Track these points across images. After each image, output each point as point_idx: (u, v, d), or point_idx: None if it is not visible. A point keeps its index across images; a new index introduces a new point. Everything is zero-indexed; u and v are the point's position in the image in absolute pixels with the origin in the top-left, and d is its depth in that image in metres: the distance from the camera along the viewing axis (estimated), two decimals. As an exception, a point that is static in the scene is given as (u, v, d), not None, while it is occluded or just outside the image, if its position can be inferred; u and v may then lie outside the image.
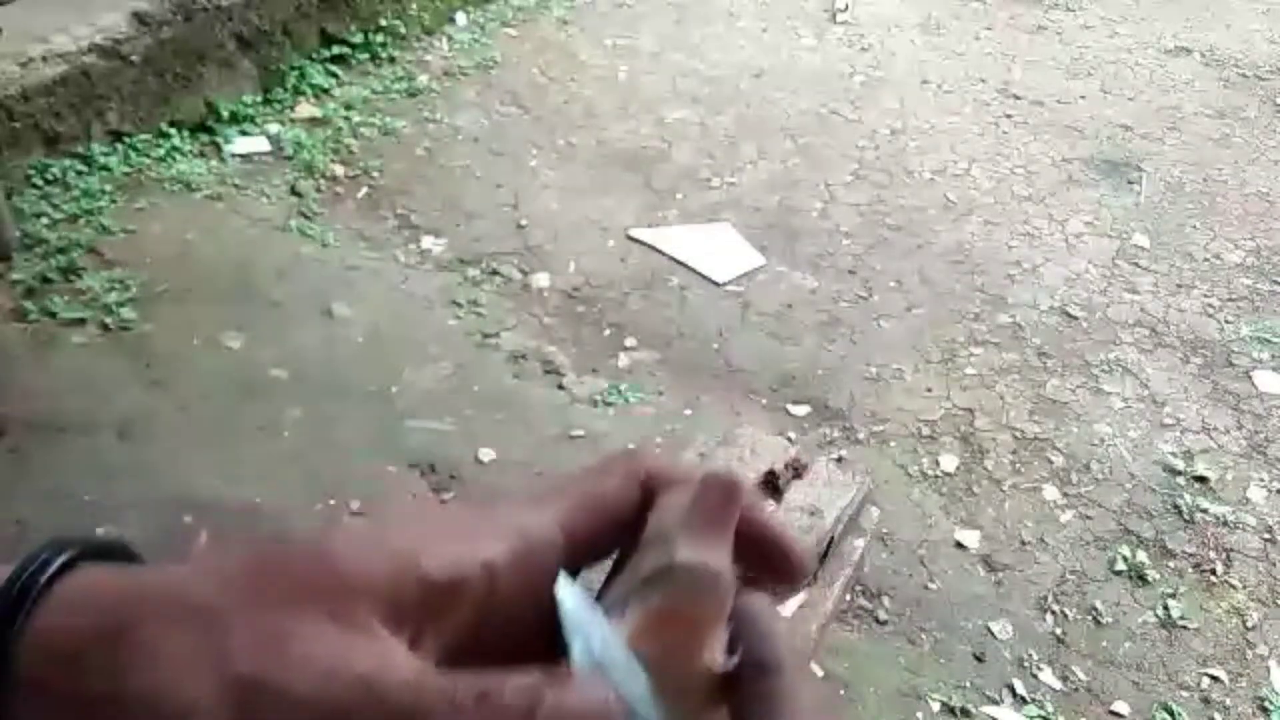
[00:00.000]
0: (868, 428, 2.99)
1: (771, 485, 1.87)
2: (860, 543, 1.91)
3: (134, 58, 3.62)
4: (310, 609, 0.32)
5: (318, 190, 3.75)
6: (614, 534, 0.38)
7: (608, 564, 0.40)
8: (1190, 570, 2.65)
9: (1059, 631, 2.47)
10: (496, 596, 0.35)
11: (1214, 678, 2.40)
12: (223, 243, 3.41)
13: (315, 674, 0.31)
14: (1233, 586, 2.62)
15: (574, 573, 0.37)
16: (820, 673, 2.27)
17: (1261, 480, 2.92)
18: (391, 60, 4.56)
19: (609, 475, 0.39)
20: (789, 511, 1.82)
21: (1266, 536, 2.75)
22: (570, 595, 0.35)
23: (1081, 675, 2.39)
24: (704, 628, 0.35)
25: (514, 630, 0.35)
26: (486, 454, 2.77)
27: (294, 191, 3.72)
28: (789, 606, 1.82)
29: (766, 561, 0.38)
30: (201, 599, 0.33)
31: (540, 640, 0.35)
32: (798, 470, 1.96)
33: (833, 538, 1.81)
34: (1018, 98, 4.84)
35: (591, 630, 0.34)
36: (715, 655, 0.35)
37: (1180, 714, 2.32)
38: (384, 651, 0.32)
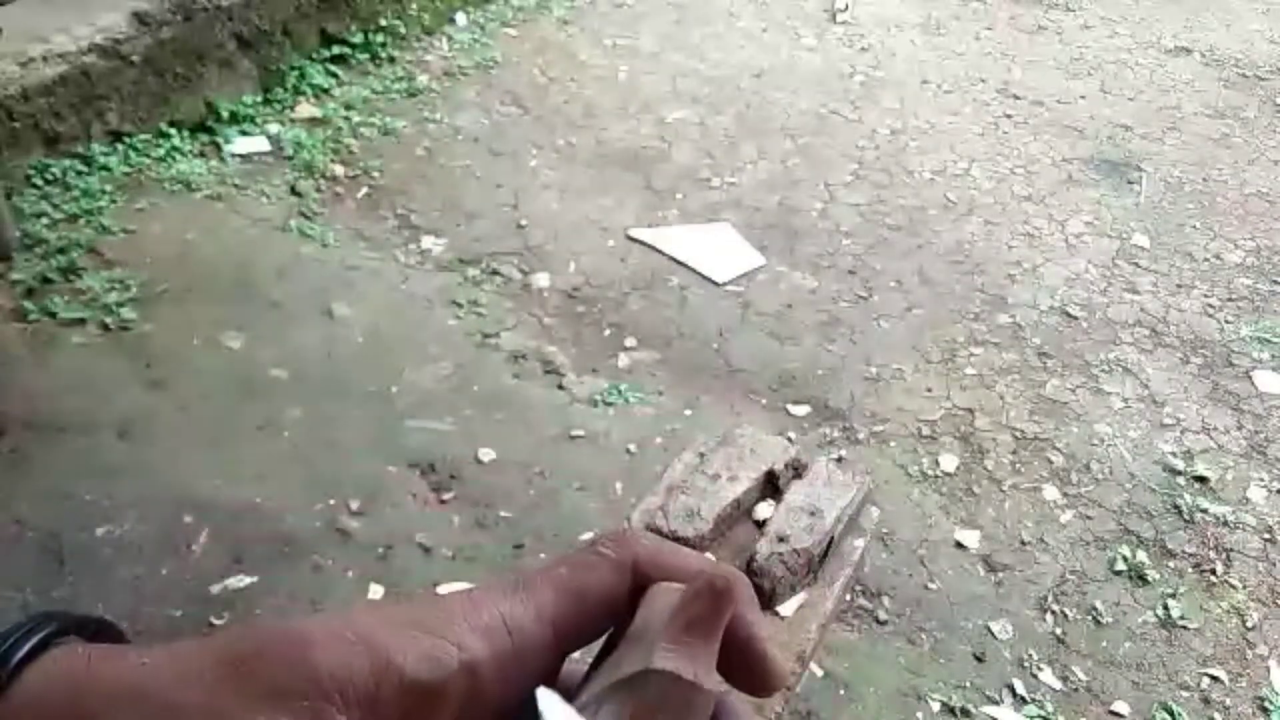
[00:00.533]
0: (868, 428, 2.99)
1: (771, 485, 1.86)
2: (860, 543, 1.90)
3: (134, 58, 3.62)
4: (280, 711, 0.31)
5: (318, 190, 3.75)
6: (602, 623, 0.37)
7: (594, 646, 0.39)
8: (1190, 570, 2.65)
9: (1059, 631, 2.47)
10: (479, 697, 0.34)
11: (1214, 678, 2.40)
12: (223, 243, 3.41)
13: None
14: (1233, 586, 2.61)
15: (559, 661, 0.37)
16: (820, 673, 2.27)
17: (1261, 480, 2.92)
18: (391, 60, 4.56)
19: (600, 561, 0.37)
20: (789, 511, 1.81)
21: (1266, 536, 2.75)
22: (550, 704, 0.34)
23: (1081, 675, 2.39)
24: None
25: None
26: (486, 454, 2.77)
27: (294, 191, 3.72)
28: (789, 606, 1.82)
29: (744, 672, 0.37)
30: (167, 696, 0.32)
31: None
32: (798, 470, 1.96)
33: (833, 538, 1.81)
34: (1018, 98, 4.84)
35: None
36: None
37: (1180, 714, 2.32)
38: None
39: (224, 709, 0.31)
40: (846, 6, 5.52)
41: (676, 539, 1.90)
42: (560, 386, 3.05)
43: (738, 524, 1.92)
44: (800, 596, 1.87)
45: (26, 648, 0.33)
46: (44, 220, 3.30)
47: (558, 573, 0.37)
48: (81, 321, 3.01)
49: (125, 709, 0.32)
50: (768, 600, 1.82)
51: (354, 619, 0.34)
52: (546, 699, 0.34)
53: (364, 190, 3.80)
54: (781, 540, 1.81)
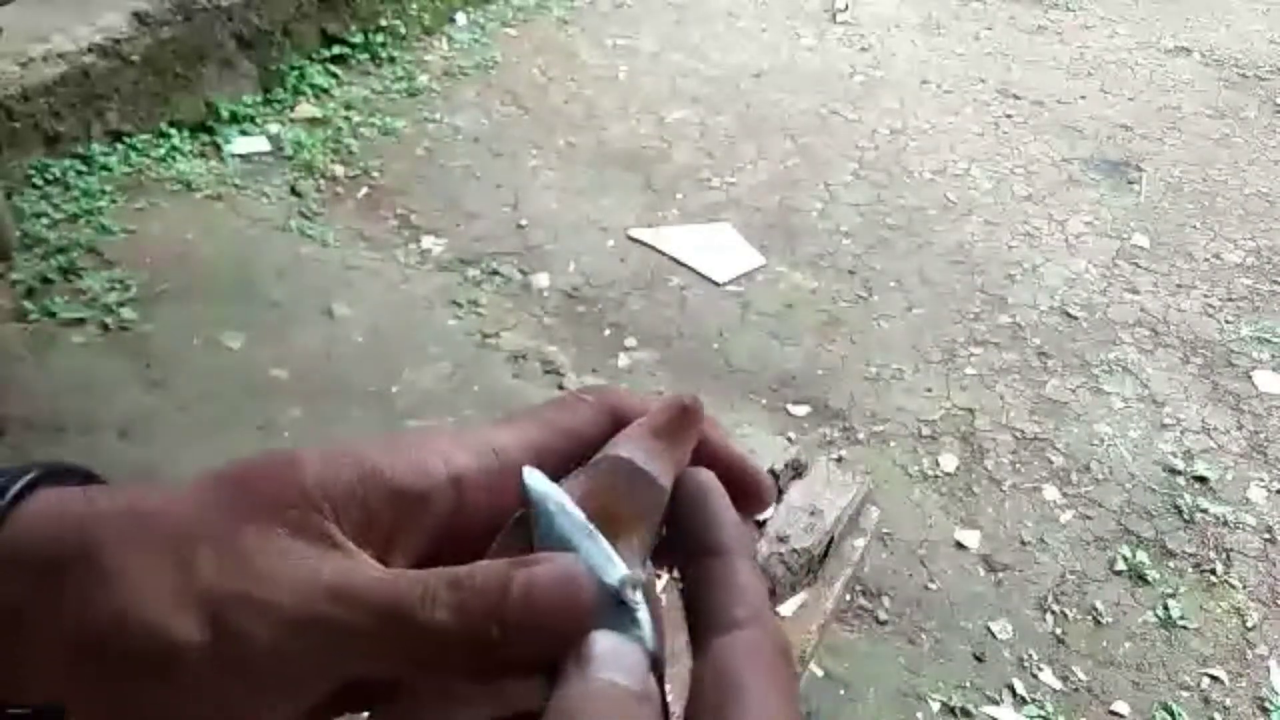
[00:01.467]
0: (868, 428, 2.99)
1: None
2: (860, 543, 1.91)
3: (134, 58, 3.62)
4: (275, 524, 0.32)
5: (318, 190, 3.75)
6: (583, 461, 0.38)
7: None
8: (1190, 570, 2.65)
9: (1059, 631, 2.47)
10: (464, 511, 0.35)
11: (1214, 678, 2.40)
12: (223, 243, 3.41)
13: (284, 587, 0.31)
14: (1233, 586, 2.62)
15: None
16: (820, 673, 2.27)
17: (1261, 480, 2.92)
18: (391, 60, 4.56)
19: (581, 404, 0.38)
20: (789, 511, 1.82)
21: (1266, 536, 2.75)
22: (533, 475, 0.35)
23: (1081, 675, 2.39)
24: (630, 524, 0.35)
25: (480, 547, 0.35)
26: (486, 454, 2.77)
27: (294, 191, 3.72)
28: (789, 607, 1.82)
29: (729, 488, 0.37)
30: (163, 520, 0.33)
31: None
32: (798, 470, 1.96)
33: (833, 538, 1.81)
34: (1018, 98, 4.84)
35: (551, 505, 0.34)
36: (637, 556, 0.34)
37: (1180, 714, 2.32)
38: (348, 560, 0.32)
39: (219, 527, 0.32)
40: (846, 6, 5.52)
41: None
42: (560, 386, 3.05)
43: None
44: (800, 596, 1.88)
45: (15, 488, 0.34)
46: (44, 220, 3.30)
47: (541, 411, 0.38)
48: (81, 321, 3.01)
49: (127, 536, 0.32)
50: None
51: (342, 442, 0.35)
52: (531, 472, 0.34)
53: (364, 190, 3.80)
54: (781, 540, 1.82)
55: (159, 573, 0.31)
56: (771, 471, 1.89)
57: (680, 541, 0.36)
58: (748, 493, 0.38)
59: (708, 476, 0.37)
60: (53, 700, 0.33)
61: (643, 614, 0.32)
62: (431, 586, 0.31)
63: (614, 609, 0.32)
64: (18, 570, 0.32)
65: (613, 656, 0.31)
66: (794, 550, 1.75)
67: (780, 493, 1.86)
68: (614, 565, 0.33)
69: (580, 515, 0.34)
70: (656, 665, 0.32)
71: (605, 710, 0.29)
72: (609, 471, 0.35)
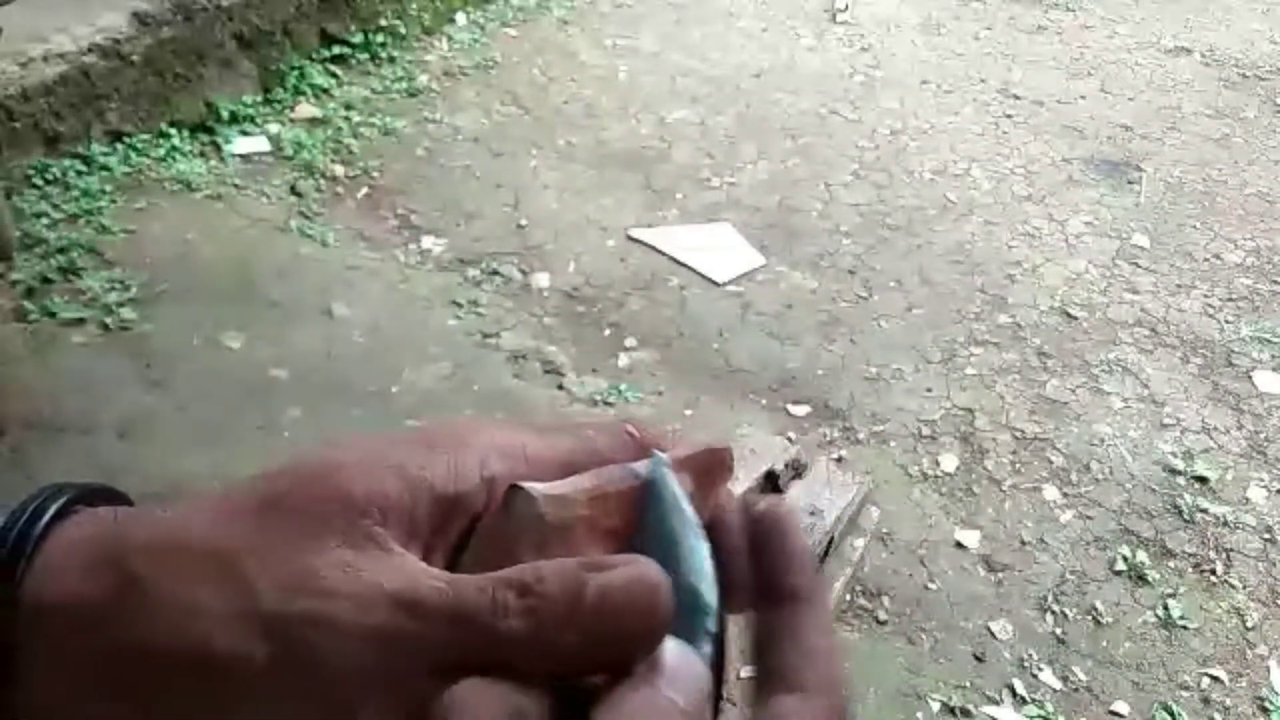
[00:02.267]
0: (868, 428, 2.99)
1: (772, 485, 1.87)
2: (860, 543, 1.91)
3: (134, 58, 3.62)
4: (325, 538, 0.31)
5: (318, 190, 3.75)
6: None
7: None
8: (1190, 570, 2.65)
9: (1059, 631, 2.47)
10: (489, 509, 0.35)
11: (1214, 678, 2.40)
12: (223, 243, 3.41)
13: (348, 601, 0.30)
14: (1233, 586, 2.62)
15: None
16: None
17: (1261, 480, 2.92)
18: (391, 60, 4.56)
19: (622, 434, 0.38)
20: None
21: (1266, 537, 2.75)
22: (661, 457, 0.35)
23: (1081, 675, 2.39)
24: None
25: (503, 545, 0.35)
26: (486, 454, 2.77)
27: (294, 191, 3.72)
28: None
29: (765, 547, 0.36)
30: (209, 543, 0.32)
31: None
32: (798, 470, 1.96)
33: (833, 538, 1.81)
34: (1018, 98, 4.84)
35: (668, 496, 0.34)
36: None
37: (1180, 714, 2.32)
38: (407, 567, 0.31)
39: (269, 546, 0.31)
40: (846, 6, 5.52)
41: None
42: (560, 386, 3.05)
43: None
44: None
45: (46, 517, 0.33)
46: (44, 220, 3.30)
47: (581, 428, 0.38)
48: (81, 321, 3.01)
49: (167, 562, 0.31)
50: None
51: (380, 444, 0.34)
52: (660, 455, 0.35)
53: (364, 190, 3.80)
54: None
55: (216, 600, 0.30)
56: (771, 471, 1.90)
57: (756, 578, 0.35)
58: (787, 558, 0.37)
59: (788, 513, 0.36)
60: None
61: (715, 629, 0.32)
62: (501, 595, 0.30)
63: (690, 617, 0.32)
64: (63, 602, 0.32)
65: (679, 672, 0.31)
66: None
67: (780, 492, 1.86)
68: (709, 578, 0.33)
69: (693, 513, 0.34)
70: (716, 690, 0.32)
71: None
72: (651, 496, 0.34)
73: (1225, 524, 2.78)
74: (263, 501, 0.33)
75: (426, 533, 0.33)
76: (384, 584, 0.30)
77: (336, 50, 4.40)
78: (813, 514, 1.79)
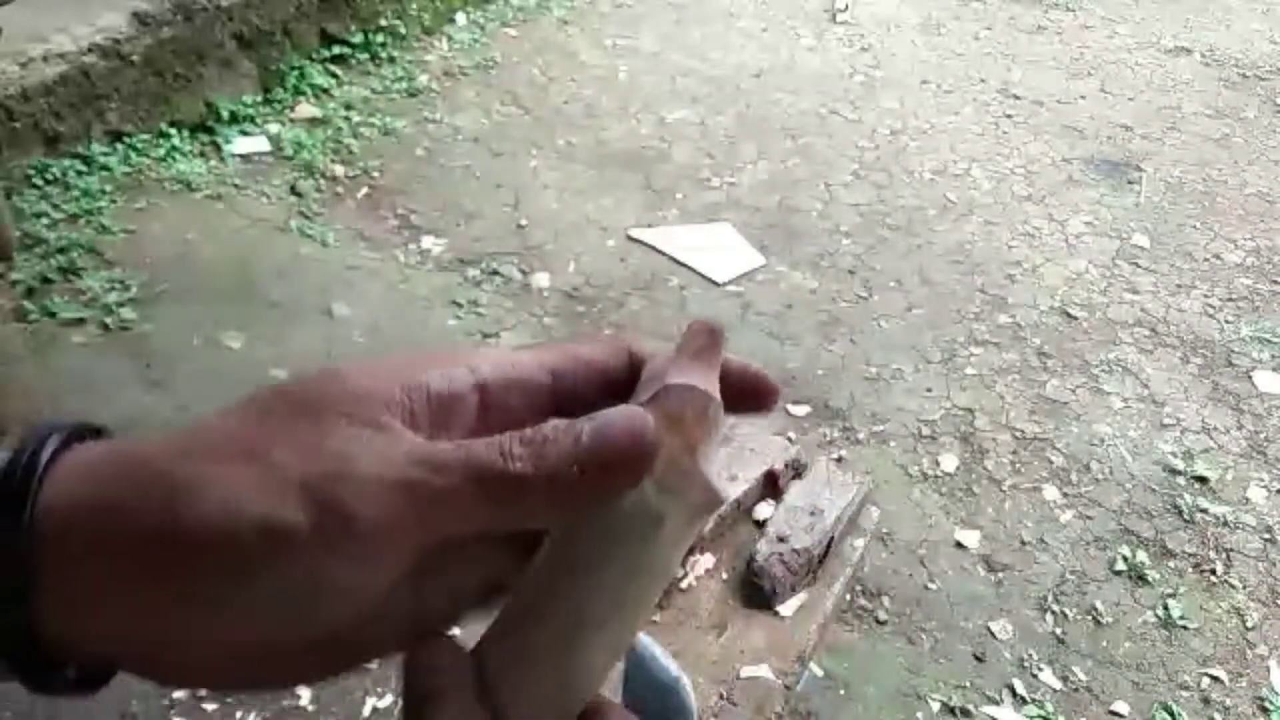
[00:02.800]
0: (867, 428, 2.99)
1: (771, 485, 1.86)
2: (860, 543, 1.91)
3: (134, 58, 3.62)
4: (337, 421, 0.33)
5: (318, 190, 3.75)
6: (600, 392, 0.39)
7: None
8: (1190, 570, 2.65)
9: (1059, 631, 2.47)
10: (488, 413, 0.37)
11: (1214, 678, 2.40)
12: (223, 243, 3.41)
13: (370, 462, 0.32)
14: (1233, 586, 2.61)
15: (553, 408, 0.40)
16: (820, 672, 2.27)
17: (1261, 480, 2.92)
18: (391, 60, 4.56)
19: (600, 340, 0.41)
20: (789, 511, 1.82)
21: (1266, 536, 2.75)
22: None
23: (1081, 675, 2.39)
24: (707, 442, 0.37)
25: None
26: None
27: (294, 191, 3.72)
28: (789, 607, 1.82)
29: (742, 393, 0.40)
30: (226, 435, 0.33)
31: None
32: (798, 470, 1.96)
33: (833, 538, 1.81)
34: (1018, 98, 4.84)
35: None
36: (708, 471, 0.37)
37: (1180, 714, 2.32)
38: (417, 438, 0.34)
39: (287, 431, 0.33)
40: (846, 6, 5.52)
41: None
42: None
43: (738, 524, 1.92)
44: (800, 596, 1.88)
45: (49, 450, 0.34)
46: (44, 220, 3.30)
47: (560, 342, 0.41)
48: (81, 321, 3.01)
49: (189, 455, 0.33)
50: (768, 600, 1.83)
51: (378, 361, 0.37)
52: None
53: (364, 190, 3.80)
54: (781, 540, 1.82)
55: (245, 474, 0.32)
56: (771, 471, 1.89)
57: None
58: (758, 391, 0.42)
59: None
60: (132, 629, 0.33)
61: (690, 703, 0.36)
62: (507, 444, 0.34)
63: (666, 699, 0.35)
64: (84, 500, 0.32)
65: None
66: (794, 550, 1.74)
67: (780, 492, 1.86)
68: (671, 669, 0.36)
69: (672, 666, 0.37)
70: None
71: None
72: (679, 400, 0.37)
73: (1225, 524, 2.78)
74: (268, 405, 0.34)
75: (425, 431, 0.35)
76: (399, 447, 0.33)
77: (336, 50, 4.40)
78: (813, 514, 1.79)
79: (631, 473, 0.34)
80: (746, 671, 1.65)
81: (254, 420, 0.34)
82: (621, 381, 0.40)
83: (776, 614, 1.76)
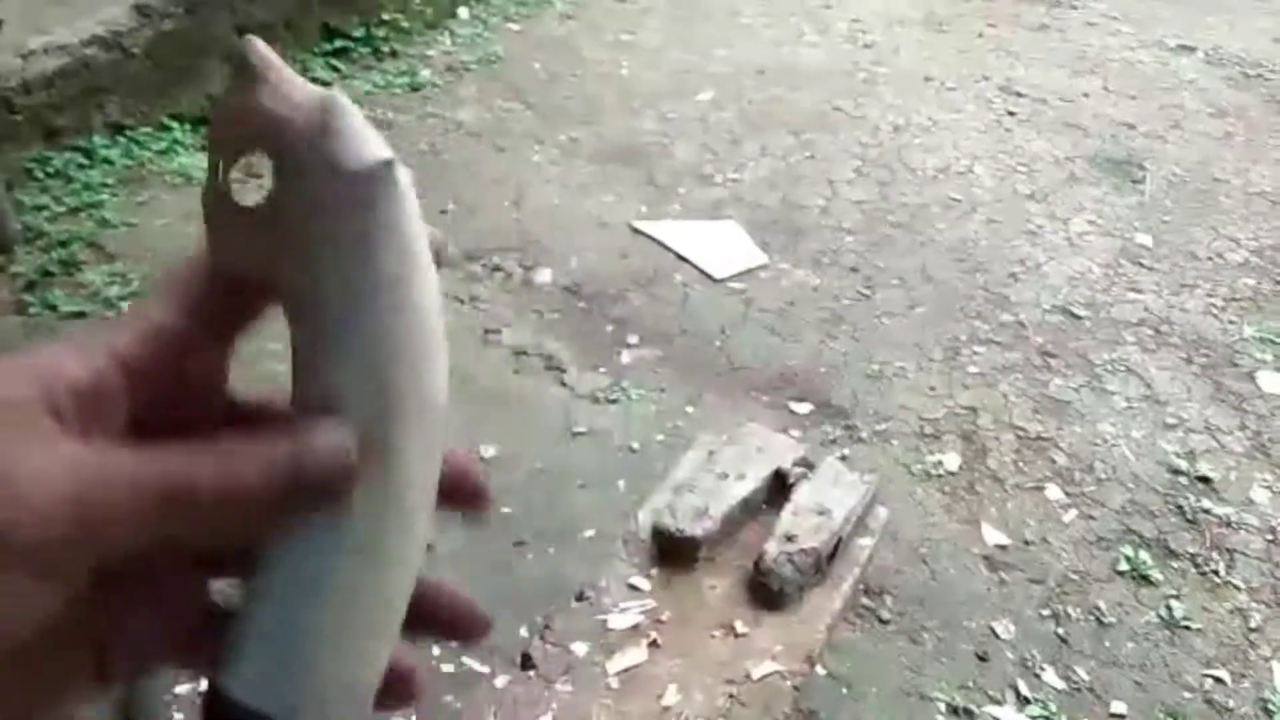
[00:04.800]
0: (870, 426, 2.99)
1: (780, 483, 1.86)
2: (868, 542, 1.90)
3: (135, 50, 3.61)
4: None
5: (319, 184, 3.73)
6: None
7: None
8: (1193, 571, 2.65)
9: (1062, 632, 2.47)
10: (138, 380, 0.34)
11: (1217, 679, 2.40)
12: (224, 237, 3.40)
13: (30, 478, 0.30)
14: (1235, 587, 2.61)
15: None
16: (823, 672, 2.27)
17: (1265, 481, 2.91)
18: (394, 55, 4.54)
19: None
20: (798, 511, 1.81)
21: (1269, 537, 2.75)
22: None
23: (1084, 676, 2.38)
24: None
25: (175, 411, 0.35)
26: (488, 450, 2.77)
27: (295, 186, 3.70)
28: (797, 608, 1.82)
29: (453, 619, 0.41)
30: None
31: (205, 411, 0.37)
32: (806, 469, 1.96)
33: (841, 537, 1.80)
34: (1020, 95, 4.83)
35: None
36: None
37: (1182, 715, 2.31)
38: (75, 445, 0.31)
39: None
40: None
41: (684, 539, 1.89)
42: (562, 383, 3.05)
43: (746, 523, 1.91)
44: (809, 597, 1.86)
45: None
46: (45, 213, 3.29)
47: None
48: (82, 315, 3.00)
49: None
50: (776, 600, 1.82)
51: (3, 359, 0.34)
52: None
53: (366, 185, 3.78)
54: (790, 540, 1.81)
55: None
56: (780, 470, 1.89)
57: None
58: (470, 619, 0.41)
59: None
60: None
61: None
62: (192, 461, 0.32)
63: None
64: None
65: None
66: (803, 550, 1.74)
67: (789, 491, 1.85)
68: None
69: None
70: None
71: None
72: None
73: (1228, 524, 2.77)
74: None
75: (79, 425, 0.32)
76: (61, 457, 0.30)
77: (338, 44, 4.39)
78: (821, 513, 1.78)
79: (330, 496, 0.33)
80: (755, 672, 1.65)
81: None
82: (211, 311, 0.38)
83: (785, 614, 1.75)
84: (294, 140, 0.34)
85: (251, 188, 0.35)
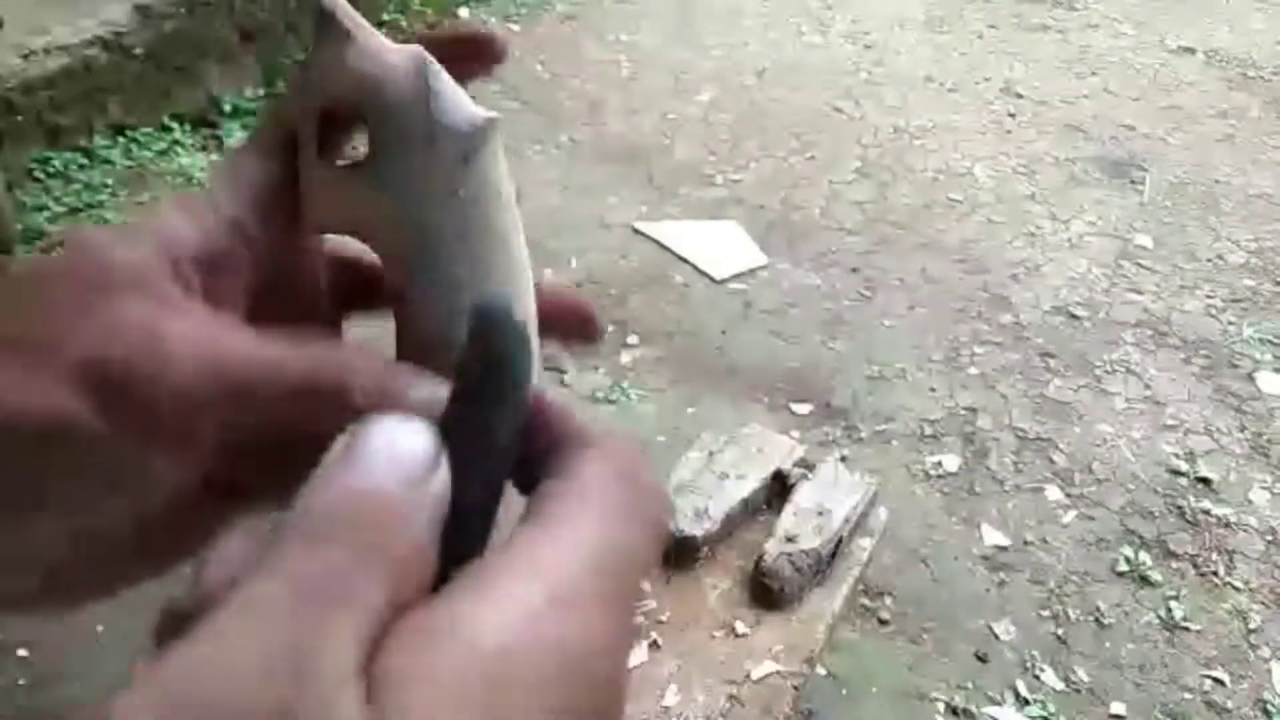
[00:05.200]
0: (870, 427, 2.99)
1: (780, 484, 1.86)
2: (868, 543, 1.91)
3: (136, 50, 3.61)
4: (111, 294, 0.29)
5: (320, 185, 3.73)
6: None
7: None
8: (1192, 571, 2.65)
9: (1061, 632, 2.47)
10: (257, 256, 0.33)
11: (1216, 680, 2.40)
12: (224, 237, 3.40)
13: (179, 342, 0.29)
14: (1235, 588, 2.61)
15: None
16: (822, 672, 2.27)
17: (1264, 482, 2.92)
18: (394, 55, 4.54)
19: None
20: (798, 511, 1.81)
21: (1269, 538, 2.75)
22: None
23: (1084, 676, 2.38)
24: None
25: (286, 303, 0.35)
26: (489, 451, 2.76)
27: (296, 186, 3.71)
28: (797, 608, 1.82)
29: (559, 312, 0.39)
30: None
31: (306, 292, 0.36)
32: (807, 469, 1.96)
33: (841, 538, 1.81)
34: (1021, 96, 4.83)
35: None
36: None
37: (1182, 716, 2.31)
38: (218, 316, 0.31)
39: (54, 311, 0.29)
40: None
41: (684, 539, 1.89)
42: (562, 383, 3.05)
43: (746, 524, 1.91)
44: (809, 597, 1.87)
45: None
46: (45, 214, 3.29)
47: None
48: (83, 315, 3.00)
49: None
50: (776, 601, 1.82)
51: (119, 226, 0.33)
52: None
53: (366, 185, 3.79)
54: (790, 540, 1.81)
55: (16, 371, 0.28)
56: (780, 471, 1.89)
57: None
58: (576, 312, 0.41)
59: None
60: None
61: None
62: (358, 362, 0.31)
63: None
64: None
65: (387, 450, 0.26)
66: (803, 550, 1.74)
67: (789, 491, 1.86)
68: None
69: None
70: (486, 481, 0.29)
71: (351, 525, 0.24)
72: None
73: (1228, 525, 2.78)
74: (35, 284, 0.31)
75: (200, 297, 0.32)
76: (205, 325, 0.30)
77: (339, 44, 4.39)
78: (821, 514, 1.78)
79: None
80: (755, 672, 1.65)
81: (18, 306, 0.30)
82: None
83: (785, 614, 1.76)
84: (395, 101, 0.33)
85: (340, 149, 0.35)
